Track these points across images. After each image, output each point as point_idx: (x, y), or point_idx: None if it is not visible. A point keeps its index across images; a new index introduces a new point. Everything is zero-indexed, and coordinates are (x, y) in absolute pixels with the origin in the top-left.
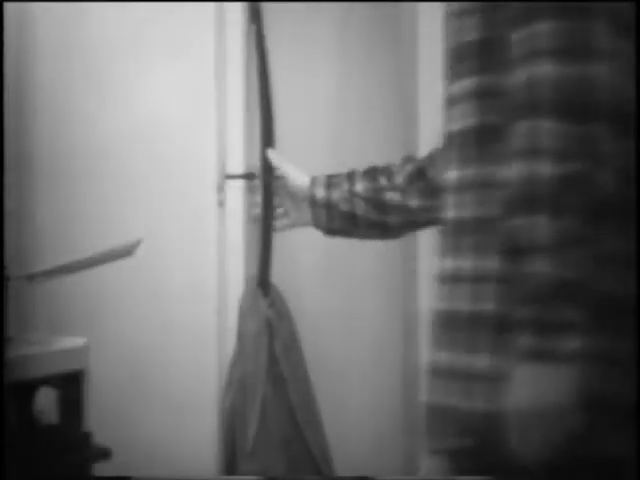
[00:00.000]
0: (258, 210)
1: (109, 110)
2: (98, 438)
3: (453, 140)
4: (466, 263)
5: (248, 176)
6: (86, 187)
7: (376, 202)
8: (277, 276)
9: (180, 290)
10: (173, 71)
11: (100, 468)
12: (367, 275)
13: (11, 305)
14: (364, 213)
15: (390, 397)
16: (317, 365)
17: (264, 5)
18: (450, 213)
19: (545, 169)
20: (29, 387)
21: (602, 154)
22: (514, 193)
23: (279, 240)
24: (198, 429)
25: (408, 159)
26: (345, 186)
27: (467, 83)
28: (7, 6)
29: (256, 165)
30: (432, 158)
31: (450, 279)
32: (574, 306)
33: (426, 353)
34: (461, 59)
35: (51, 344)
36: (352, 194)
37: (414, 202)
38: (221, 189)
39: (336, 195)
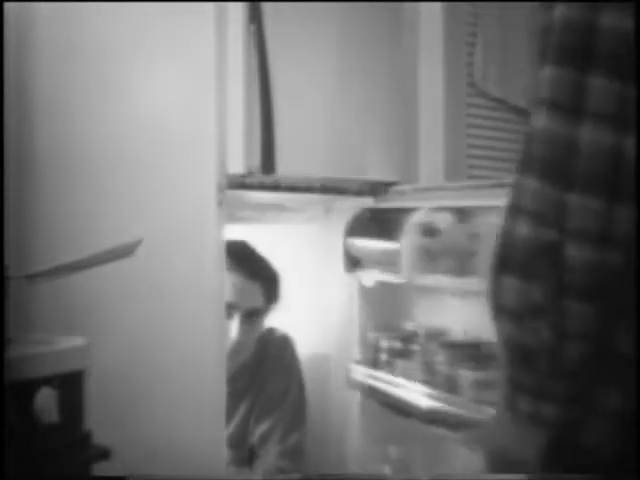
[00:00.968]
0: None
1: (109, 110)
2: (98, 438)
3: None
4: None
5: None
6: (86, 187)
7: None
8: None
9: (180, 290)
10: (173, 71)
11: (100, 468)
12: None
13: (11, 305)
14: None
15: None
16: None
17: (264, 5)
18: None
19: (522, 230)
20: (29, 387)
21: (574, 227)
22: (496, 249)
23: None
24: (198, 429)
25: None
26: None
27: None
28: (7, 6)
29: (256, 165)
30: None
31: None
32: (530, 372)
33: None
34: None
35: (51, 344)
36: None
37: None
38: (221, 189)
39: None
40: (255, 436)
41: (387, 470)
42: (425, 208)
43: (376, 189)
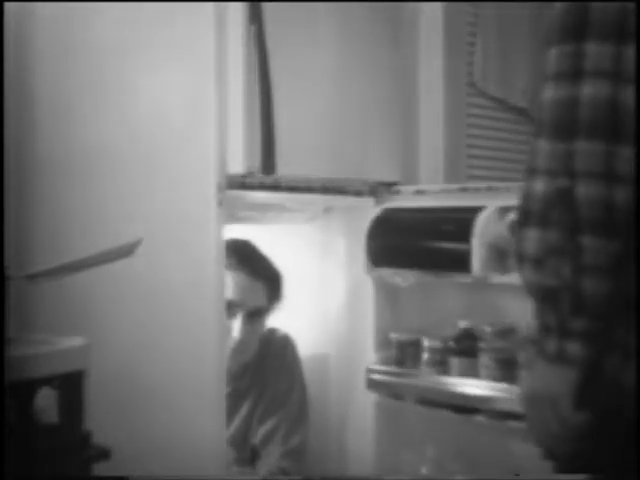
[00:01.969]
0: None
1: (109, 110)
2: (98, 438)
3: None
4: None
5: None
6: (86, 187)
7: None
8: None
9: (180, 290)
10: (173, 71)
11: (100, 468)
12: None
13: (11, 305)
14: None
15: None
16: None
17: (264, 5)
18: None
19: (538, 186)
20: (29, 387)
21: (581, 169)
22: (519, 208)
23: None
24: (199, 429)
25: None
26: None
27: None
28: (7, 6)
29: (256, 165)
30: None
31: None
32: (554, 312)
33: None
34: None
35: (51, 344)
36: None
37: None
38: (221, 189)
39: None
40: (258, 436)
41: (424, 471)
42: (493, 207)
43: (376, 189)
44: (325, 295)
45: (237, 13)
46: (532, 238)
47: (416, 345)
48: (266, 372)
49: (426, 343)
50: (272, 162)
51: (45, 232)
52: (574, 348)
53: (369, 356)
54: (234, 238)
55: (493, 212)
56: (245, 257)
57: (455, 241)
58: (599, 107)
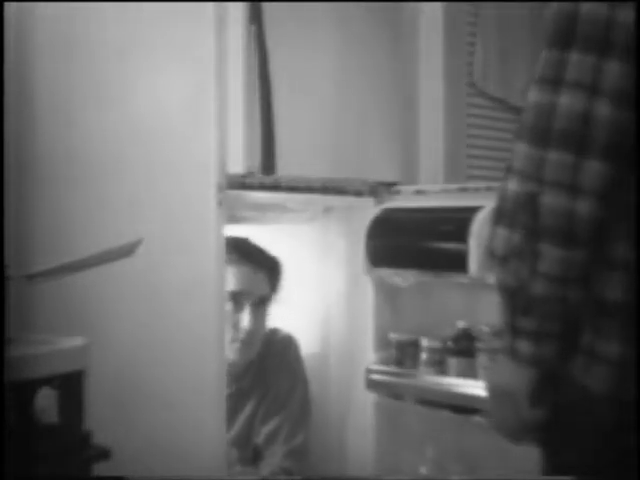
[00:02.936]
0: None
1: (109, 109)
2: (98, 438)
3: None
4: None
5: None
6: (86, 187)
7: None
8: None
9: (180, 290)
10: (173, 71)
11: (100, 468)
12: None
13: (11, 305)
14: None
15: None
16: None
17: (264, 5)
18: None
19: (511, 186)
20: (29, 387)
21: (549, 178)
22: (495, 205)
23: None
24: (199, 429)
25: None
26: None
27: None
28: (7, 6)
29: (256, 165)
30: None
31: None
32: (510, 310)
33: None
34: None
35: (51, 344)
36: None
37: None
38: (221, 189)
39: None
40: (261, 436)
41: (423, 471)
42: (490, 207)
43: (376, 189)
44: (324, 295)
45: (237, 13)
46: (500, 236)
47: (415, 345)
48: (269, 372)
49: (425, 343)
50: (272, 162)
51: (45, 232)
52: (523, 346)
53: (368, 356)
54: (233, 236)
55: (491, 212)
56: (246, 250)
57: (453, 241)
58: (572, 119)
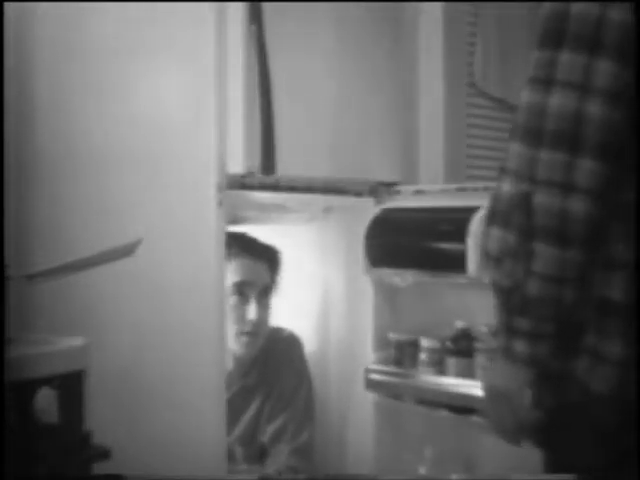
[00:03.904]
0: None
1: (109, 109)
2: (98, 438)
3: None
4: None
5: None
6: (86, 187)
7: None
8: None
9: (180, 290)
10: (173, 71)
11: (100, 468)
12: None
13: (11, 305)
14: None
15: None
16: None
17: (264, 5)
18: None
19: (506, 187)
20: (29, 387)
21: (542, 177)
22: (488, 205)
23: None
24: (199, 428)
25: None
26: None
27: None
28: (7, 6)
29: (256, 165)
30: None
31: None
32: (505, 310)
33: None
34: None
35: (51, 344)
36: None
37: None
38: (221, 189)
39: None
40: (267, 434)
41: (422, 470)
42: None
43: (376, 189)
44: (324, 295)
45: (237, 13)
46: (495, 237)
47: (414, 345)
48: (273, 370)
49: (424, 343)
50: (272, 162)
51: (45, 231)
52: (518, 347)
53: (368, 356)
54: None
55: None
56: (244, 242)
57: (452, 241)
58: (564, 118)
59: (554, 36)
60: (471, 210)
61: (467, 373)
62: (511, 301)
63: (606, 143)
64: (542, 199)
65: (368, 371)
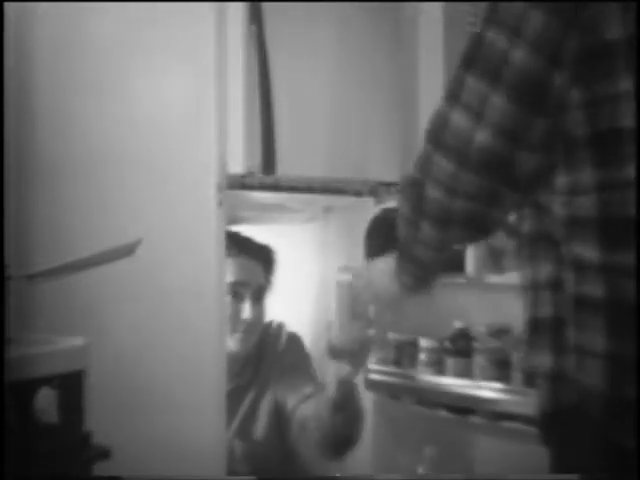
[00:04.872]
0: None
1: (109, 110)
2: (98, 438)
3: None
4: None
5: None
6: (86, 187)
7: None
8: None
9: (180, 290)
10: (173, 71)
11: (100, 468)
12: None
13: (11, 305)
14: None
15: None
16: None
17: (264, 5)
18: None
19: (417, 166)
20: (29, 387)
21: (433, 176)
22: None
23: None
24: (198, 429)
25: None
26: None
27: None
28: (7, 6)
29: (256, 165)
30: None
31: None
32: (401, 256)
33: None
34: None
35: (51, 344)
36: None
37: None
38: (221, 189)
39: None
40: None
41: (421, 470)
42: None
43: (376, 189)
44: (324, 295)
45: (237, 13)
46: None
47: (413, 345)
48: (270, 369)
49: (423, 343)
50: (272, 162)
51: (45, 231)
52: (407, 281)
53: None
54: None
55: None
56: (238, 242)
57: None
58: (456, 135)
59: (467, 57)
60: None
61: (466, 373)
62: (404, 252)
63: (488, 165)
64: (432, 193)
65: (367, 371)
